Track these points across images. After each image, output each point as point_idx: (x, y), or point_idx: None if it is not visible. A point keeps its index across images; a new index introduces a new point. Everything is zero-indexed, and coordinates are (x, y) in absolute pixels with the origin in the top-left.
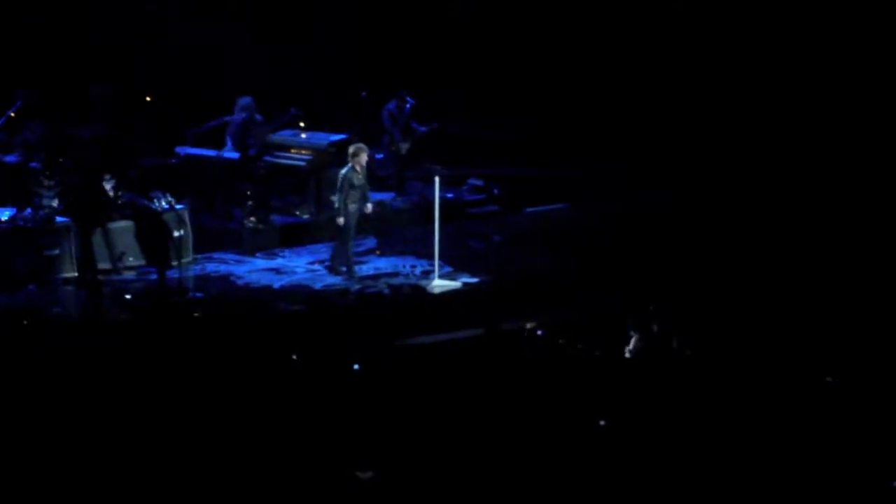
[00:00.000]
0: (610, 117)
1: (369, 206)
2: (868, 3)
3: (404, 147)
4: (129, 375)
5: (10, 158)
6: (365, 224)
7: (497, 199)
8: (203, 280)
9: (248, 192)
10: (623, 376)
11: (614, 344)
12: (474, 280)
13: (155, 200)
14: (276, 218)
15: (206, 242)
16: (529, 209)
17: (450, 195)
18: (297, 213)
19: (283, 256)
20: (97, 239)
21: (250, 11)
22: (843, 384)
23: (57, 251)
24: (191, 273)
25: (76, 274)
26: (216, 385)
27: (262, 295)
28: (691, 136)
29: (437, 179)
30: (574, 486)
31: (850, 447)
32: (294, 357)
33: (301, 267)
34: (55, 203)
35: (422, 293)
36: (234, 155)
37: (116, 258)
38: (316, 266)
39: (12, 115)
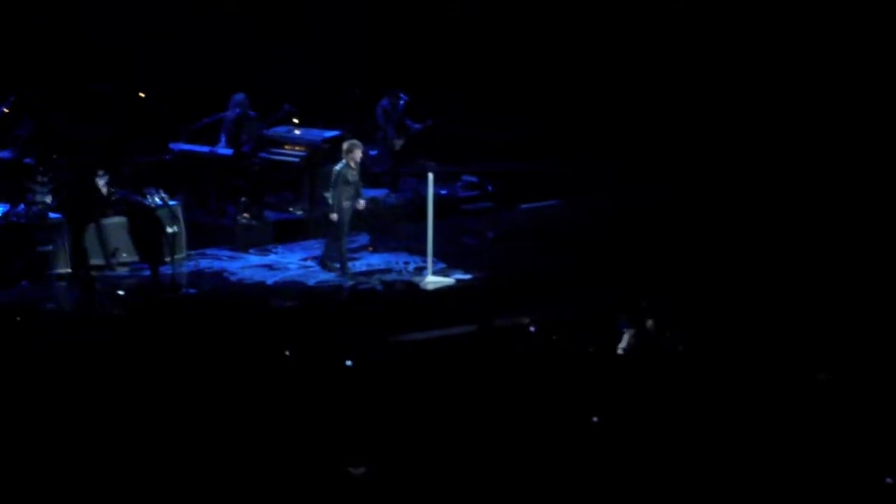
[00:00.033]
0: (608, 116)
1: (361, 203)
2: (868, 3)
3: (398, 143)
4: (121, 372)
5: (3, 154)
6: (358, 220)
7: (491, 196)
8: (196, 276)
9: (242, 189)
10: (616, 372)
11: (608, 340)
12: (467, 276)
13: (148, 197)
14: (269, 214)
15: (200, 239)
16: (523, 205)
17: (443, 192)
18: (291, 209)
19: (277, 253)
20: (90, 235)
21: (250, 11)
22: (834, 380)
23: (50, 247)
24: (184, 269)
25: (70, 270)
26: (209, 381)
27: (256, 291)
28: (688, 134)
29: (430, 176)
30: (567, 482)
31: (842, 443)
32: (287, 353)
33: (294, 263)
34: (48, 199)
35: (415, 289)
36: (228, 151)
37: (110, 254)
38: (309, 262)
39: (6, 110)
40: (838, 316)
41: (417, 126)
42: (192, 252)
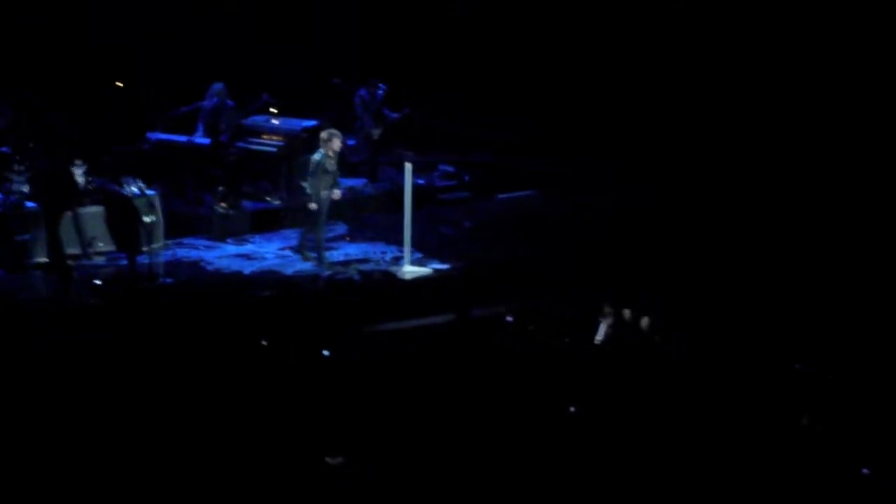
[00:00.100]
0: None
1: (337, 193)
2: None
3: (376, 133)
4: (97, 361)
5: None
6: (336, 210)
7: (468, 186)
8: (173, 266)
9: (220, 178)
10: (592, 363)
11: (585, 331)
12: (445, 266)
13: (126, 186)
14: (247, 203)
15: (177, 228)
16: (500, 196)
17: (421, 181)
18: (269, 199)
19: (254, 242)
20: (67, 224)
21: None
22: (813, 372)
23: (28, 236)
24: (161, 258)
25: (47, 259)
26: (185, 371)
27: (233, 281)
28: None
29: (408, 166)
30: (544, 472)
31: (821, 434)
32: (264, 343)
33: (271, 253)
34: (25, 188)
35: (392, 279)
36: (206, 141)
37: (87, 244)
38: (287, 252)
39: None
40: (824, 313)
41: (395, 115)
42: (170, 241)
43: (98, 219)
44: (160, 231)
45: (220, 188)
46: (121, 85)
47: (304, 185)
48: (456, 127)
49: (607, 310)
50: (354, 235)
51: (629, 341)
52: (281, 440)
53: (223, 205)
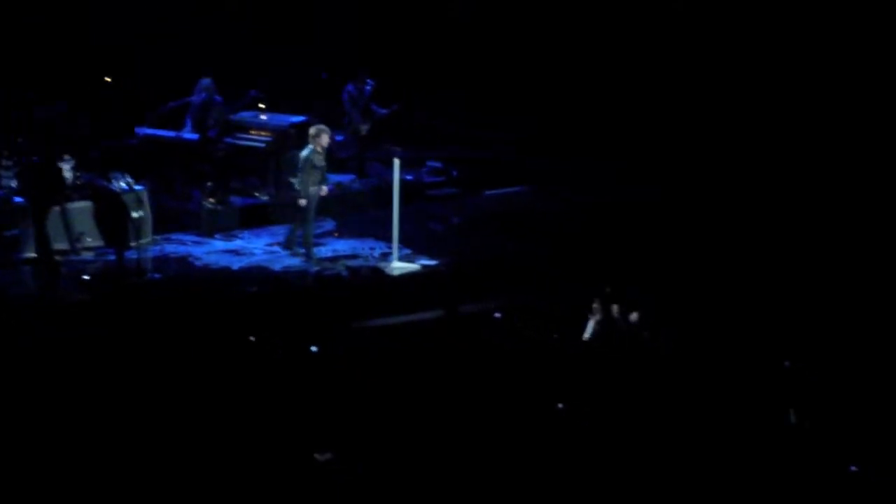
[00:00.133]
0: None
1: (324, 189)
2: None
3: (364, 128)
4: (85, 357)
5: None
6: (324, 206)
7: (456, 182)
8: (162, 261)
9: (208, 174)
10: (581, 359)
11: (573, 327)
12: (433, 262)
13: (114, 181)
14: (235, 199)
15: (165, 223)
16: (489, 192)
17: (409, 177)
18: (257, 194)
19: (242, 238)
20: (55, 219)
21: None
22: (801, 369)
23: (16, 231)
24: (149, 254)
25: (35, 255)
26: (174, 367)
27: (221, 276)
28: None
29: (396, 161)
30: (533, 468)
31: (808, 431)
32: (252, 339)
33: (260, 249)
34: (13, 183)
35: (380, 275)
36: (194, 136)
37: (75, 239)
38: (275, 248)
39: None
40: (816, 311)
41: (383, 111)
42: (158, 237)
43: (86, 214)
44: (148, 226)
45: (209, 184)
46: (109, 80)
47: (293, 180)
48: (456, 126)
49: (595, 306)
50: (342, 231)
51: (617, 338)
52: (269, 436)
53: (211, 200)
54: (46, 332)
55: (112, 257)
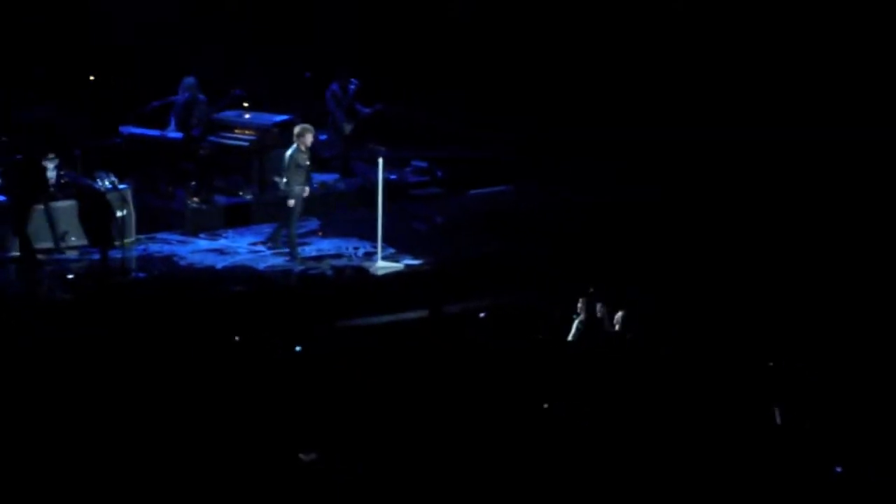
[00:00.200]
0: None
1: (306, 190)
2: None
3: (348, 128)
4: (68, 356)
5: None
6: (308, 205)
7: (440, 182)
8: (146, 260)
9: (192, 173)
10: (566, 359)
11: (557, 327)
12: (417, 262)
13: (98, 180)
14: (219, 198)
15: (150, 222)
16: (472, 191)
17: (393, 177)
18: (241, 193)
19: (227, 237)
20: (39, 218)
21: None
22: (786, 370)
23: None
24: (133, 253)
25: (20, 253)
26: (158, 366)
27: (205, 276)
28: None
29: (380, 161)
30: (517, 468)
31: (794, 432)
32: (236, 338)
33: (244, 248)
34: None
35: (365, 275)
36: (178, 135)
37: (59, 238)
38: (259, 247)
39: None
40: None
41: (367, 110)
42: (142, 236)
43: (71, 213)
44: (132, 225)
45: (193, 183)
46: (92, 79)
47: (277, 180)
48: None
49: (580, 306)
50: (327, 231)
51: (601, 338)
52: (254, 436)
53: (195, 199)
54: (29, 331)
55: (96, 256)
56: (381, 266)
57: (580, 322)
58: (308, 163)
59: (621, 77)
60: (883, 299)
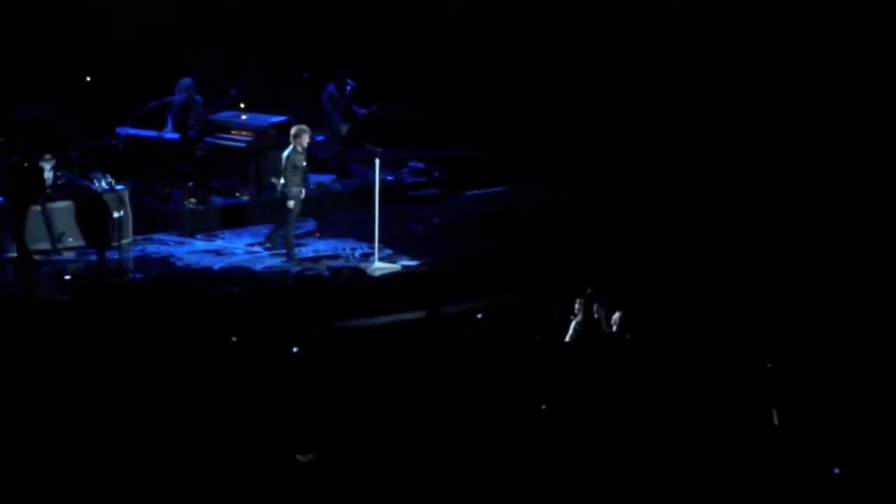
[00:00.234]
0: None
1: (303, 191)
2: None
3: (344, 129)
4: (65, 357)
5: None
6: (305, 206)
7: (437, 182)
8: (143, 261)
9: (189, 174)
10: (564, 360)
11: (556, 327)
12: (414, 263)
13: (95, 181)
14: (216, 199)
15: (146, 223)
16: (469, 192)
17: (390, 178)
18: (238, 194)
19: (223, 238)
20: (37, 219)
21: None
22: (784, 371)
23: None
24: (131, 254)
25: (17, 255)
26: (155, 367)
27: (202, 277)
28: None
29: (377, 162)
30: (515, 470)
31: (791, 434)
32: (233, 339)
33: (241, 249)
34: None
35: (362, 276)
36: (175, 136)
37: (56, 239)
38: (256, 248)
39: None
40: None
41: (364, 111)
42: (139, 237)
43: (67, 214)
44: (129, 226)
45: (189, 183)
46: (89, 79)
47: (275, 181)
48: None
49: (578, 307)
50: (324, 232)
51: (599, 339)
52: (251, 436)
53: (192, 200)
54: (27, 332)
55: (93, 257)
56: (378, 267)
57: (577, 323)
58: (305, 164)
59: (621, 77)
60: (882, 300)
